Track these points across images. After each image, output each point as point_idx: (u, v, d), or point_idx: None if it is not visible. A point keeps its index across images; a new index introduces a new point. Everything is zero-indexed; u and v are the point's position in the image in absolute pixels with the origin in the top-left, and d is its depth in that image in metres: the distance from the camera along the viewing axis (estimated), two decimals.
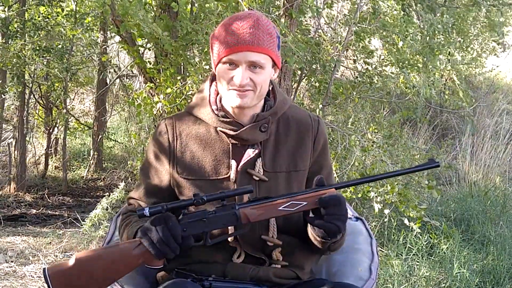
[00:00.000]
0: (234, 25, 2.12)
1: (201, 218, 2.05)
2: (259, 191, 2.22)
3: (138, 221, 2.18)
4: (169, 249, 1.99)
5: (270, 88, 2.30)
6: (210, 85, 2.31)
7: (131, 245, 2.04)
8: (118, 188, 5.34)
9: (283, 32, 4.52)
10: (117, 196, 5.27)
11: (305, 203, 2.08)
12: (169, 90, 5.12)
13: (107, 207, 5.23)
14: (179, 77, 5.40)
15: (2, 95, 7.29)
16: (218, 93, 2.28)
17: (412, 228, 5.05)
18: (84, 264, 2.00)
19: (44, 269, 1.99)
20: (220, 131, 2.24)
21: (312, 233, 2.20)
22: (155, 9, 5.64)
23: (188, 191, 2.24)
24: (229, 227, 2.14)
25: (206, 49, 4.99)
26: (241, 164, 2.23)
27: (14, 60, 6.64)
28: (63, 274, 1.99)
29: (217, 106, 2.26)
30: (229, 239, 2.19)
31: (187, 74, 5.59)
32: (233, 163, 2.23)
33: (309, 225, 2.19)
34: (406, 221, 5.00)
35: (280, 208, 2.07)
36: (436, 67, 5.90)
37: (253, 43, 2.09)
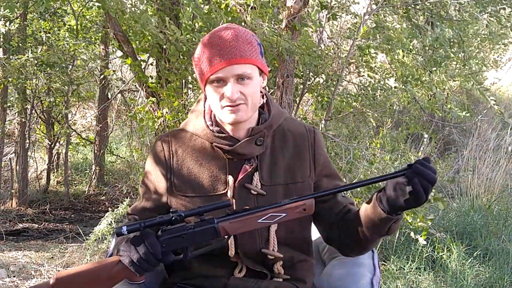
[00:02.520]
0: (214, 41, 2.11)
1: (180, 234, 2.02)
2: (257, 204, 2.20)
3: (125, 237, 2.14)
4: (149, 266, 1.97)
5: (264, 101, 2.29)
6: (205, 100, 2.29)
7: (111, 263, 2.03)
8: (122, 203, 5.35)
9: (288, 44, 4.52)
10: (122, 212, 5.28)
11: (284, 214, 2.04)
12: (176, 103, 5.12)
13: (111, 221, 5.23)
14: (185, 91, 5.42)
15: (7, 110, 7.31)
16: None
17: (415, 241, 5.05)
18: (64, 283, 2.00)
19: None
20: (216, 146, 2.23)
21: (375, 211, 2.05)
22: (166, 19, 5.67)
23: (186, 208, 2.22)
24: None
25: None
26: (238, 179, 2.22)
27: (16, 74, 6.66)
28: None
29: (212, 121, 2.25)
30: (230, 254, 2.18)
31: (190, 87, 5.60)
32: (230, 178, 2.21)
33: (368, 206, 2.07)
34: (412, 234, 4.98)
35: (259, 220, 2.04)
36: (443, 81, 5.89)
37: (235, 56, 2.07)
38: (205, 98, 2.29)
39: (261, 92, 2.24)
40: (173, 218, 1.98)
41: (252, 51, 2.11)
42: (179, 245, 2.03)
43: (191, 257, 2.06)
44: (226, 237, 2.06)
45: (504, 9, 5.75)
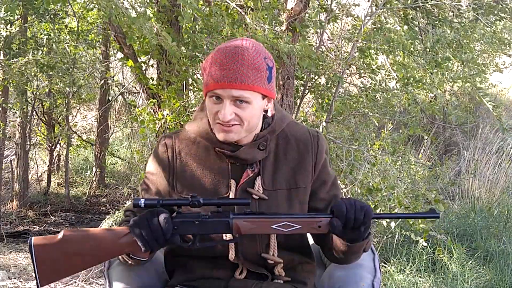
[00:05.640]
0: (220, 58, 2.05)
1: (194, 220, 2.04)
2: (259, 209, 2.20)
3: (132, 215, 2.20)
4: (157, 244, 1.99)
5: None
6: None
7: (120, 232, 2.04)
8: (123, 205, 5.35)
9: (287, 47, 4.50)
10: (123, 214, 5.27)
11: (299, 226, 2.05)
12: (177, 104, 5.11)
13: (112, 224, 5.23)
14: (185, 92, 5.41)
15: (7, 112, 7.30)
16: None
17: (416, 243, 5.04)
18: (70, 241, 2.01)
19: (30, 238, 2.01)
20: (219, 151, 2.22)
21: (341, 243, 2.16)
22: (157, 26, 5.67)
23: (187, 210, 2.22)
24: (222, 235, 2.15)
25: None
26: (240, 183, 2.22)
27: (17, 76, 6.65)
28: (47, 246, 2.01)
29: None
30: (230, 256, 2.18)
31: (191, 89, 5.60)
32: (232, 182, 2.21)
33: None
34: (412, 236, 4.98)
35: (273, 226, 2.05)
36: (444, 81, 5.88)
37: (236, 80, 2.02)
38: None
39: None
40: (191, 202, 1.99)
41: (257, 77, 2.06)
42: (190, 231, 2.05)
43: (198, 246, 2.06)
44: (237, 235, 2.07)
45: (499, 20, 5.75)
